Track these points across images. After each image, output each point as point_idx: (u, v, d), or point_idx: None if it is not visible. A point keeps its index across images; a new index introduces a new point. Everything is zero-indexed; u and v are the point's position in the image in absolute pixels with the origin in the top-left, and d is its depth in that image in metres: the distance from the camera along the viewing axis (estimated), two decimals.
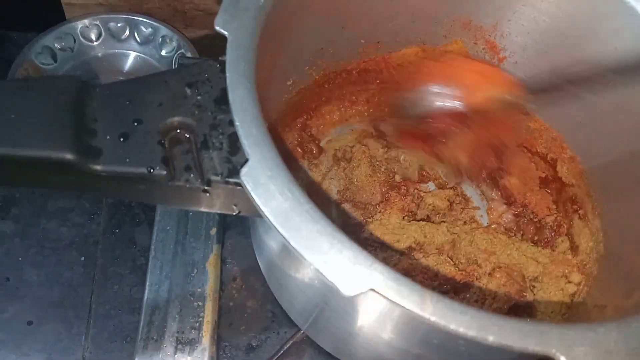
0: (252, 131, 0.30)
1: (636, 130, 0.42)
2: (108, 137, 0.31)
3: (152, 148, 0.31)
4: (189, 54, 0.64)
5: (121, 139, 0.31)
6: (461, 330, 0.26)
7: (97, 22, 0.65)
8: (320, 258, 0.26)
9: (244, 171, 0.28)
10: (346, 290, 0.26)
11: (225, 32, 0.33)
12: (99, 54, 0.66)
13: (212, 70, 0.35)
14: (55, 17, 0.64)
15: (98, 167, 0.30)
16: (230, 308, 0.51)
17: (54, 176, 0.30)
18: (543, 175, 0.53)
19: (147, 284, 0.49)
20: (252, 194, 0.28)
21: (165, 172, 0.31)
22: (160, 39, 0.65)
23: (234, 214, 0.35)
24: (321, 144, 0.55)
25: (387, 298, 0.26)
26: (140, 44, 0.66)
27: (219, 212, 0.35)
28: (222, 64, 0.35)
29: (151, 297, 0.49)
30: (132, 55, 0.67)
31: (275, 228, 0.27)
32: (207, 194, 0.32)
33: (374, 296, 0.26)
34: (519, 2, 0.46)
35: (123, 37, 0.66)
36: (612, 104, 0.43)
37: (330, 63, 0.50)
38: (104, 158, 0.30)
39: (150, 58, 0.67)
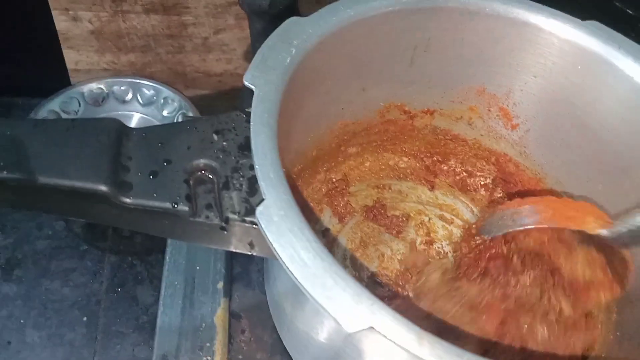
0: (270, 174, 0.32)
1: None
2: (139, 174, 0.34)
3: (178, 186, 0.34)
4: (190, 114, 0.66)
5: (151, 177, 0.34)
6: None
7: (102, 86, 0.67)
8: (324, 293, 0.28)
9: (259, 210, 0.31)
10: (348, 326, 0.27)
11: (253, 87, 0.36)
12: (103, 116, 0.67)
13: (239, 120, 0.38)
14: (60, 82, 0.66)
15: (128, 200, 0.33)
16: None
17: (89, 206, 0.33)
18: None
19: (157, 339, 0.48)
20: (265, 230, 0.30)
21: (187, 208, 0.33)
22: (162, 100, 0.67)
23: (249, 253, 0.37)
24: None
25: (385, 337, 0.27)
26: (143, 105, 0.68)
27: (234, 250, 0.37)
28: (248, 114, 0.39)
29: (160, 354, 0.48)
30: (136, 116, 0.69)
31: (284, 262, 0.29)
32: (225, 232, 0.34)
33: (376, 338, 0.27)
34: (529, 73, 0.49)
35: (126, 99, 0.68)
36: None
37: (349, 122, 0.53)
38: (134, 192, 0.33)
39: (153, 119, 0.68)
